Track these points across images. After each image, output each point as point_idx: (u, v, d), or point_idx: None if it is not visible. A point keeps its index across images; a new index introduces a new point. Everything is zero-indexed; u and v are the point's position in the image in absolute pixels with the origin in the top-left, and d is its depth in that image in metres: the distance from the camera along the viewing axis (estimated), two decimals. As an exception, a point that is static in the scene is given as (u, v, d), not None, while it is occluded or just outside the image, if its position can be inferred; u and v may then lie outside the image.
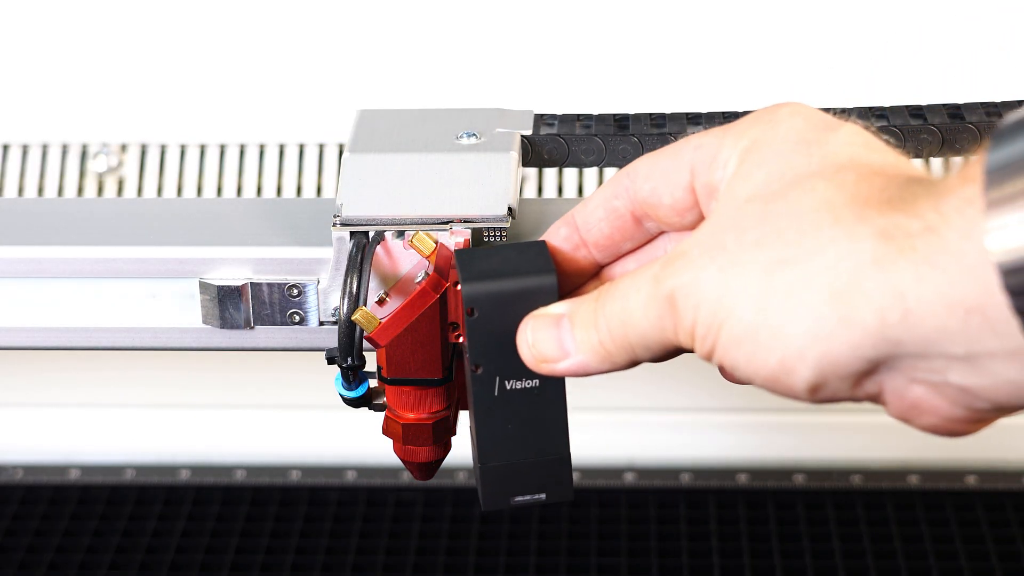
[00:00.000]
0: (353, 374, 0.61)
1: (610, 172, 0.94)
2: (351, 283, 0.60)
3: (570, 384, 0.57)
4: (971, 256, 0.46)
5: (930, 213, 0.47)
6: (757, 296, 0.50)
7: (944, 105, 0.65)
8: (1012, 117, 0.47)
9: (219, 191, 0.97)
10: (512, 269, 0.57)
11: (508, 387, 0.57)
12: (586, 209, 0.58)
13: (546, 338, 0.55)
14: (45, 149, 0.98)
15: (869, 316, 0.48)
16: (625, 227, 0.58)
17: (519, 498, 0.59)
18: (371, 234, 0.61)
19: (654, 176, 0.56)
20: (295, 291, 0.63)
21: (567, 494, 0.59)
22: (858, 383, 0.50)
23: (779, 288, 0.49)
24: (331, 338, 0.62)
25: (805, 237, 0.49)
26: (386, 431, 0.62)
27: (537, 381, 0.57)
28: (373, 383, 0.62)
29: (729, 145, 0.54)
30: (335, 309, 0.63)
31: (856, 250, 0.48)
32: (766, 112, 0.54)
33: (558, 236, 0.59)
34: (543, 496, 0.59)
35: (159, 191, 0.97)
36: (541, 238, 0.59)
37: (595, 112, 0.67)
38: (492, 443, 0.58)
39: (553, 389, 0.57)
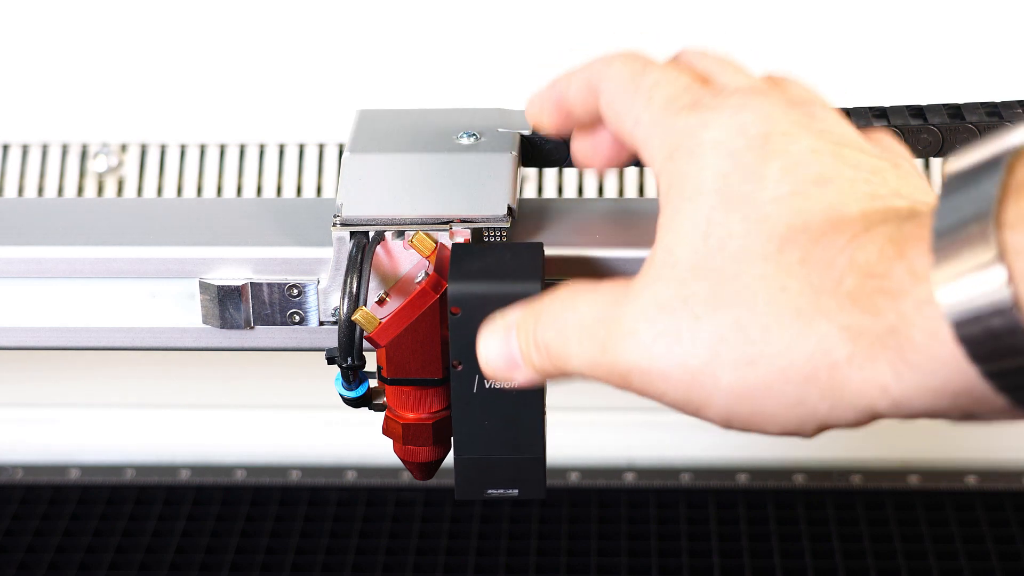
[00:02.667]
0: (353, 374, 0.61)
1: (610, 172, 0.94)
2: (351, 283, 0.60)
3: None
4: (943, 354, 0.46)
5: (890, 314, 0.47)
6: (735, 392, 0.50)
7: (944, 105, 0.65)
8: (948, 201, 0.47)
9: (219, 191, 0.97)
10: (501, 272, 0.57)
11: (487, 385, 0.58)
12: (568, 95, 0.59)
13: (498, 354, 0.55)
14: (45, 149, 0.98)
15: (860, 403, 0.49)
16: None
17: (492, 491, 0.60)
18: (371, 234, 0.61)
19: (610, 112, 0.57)
20: (295, 291, 0.63)
21: (539, 492, 0.60)
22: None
23: (757, 385, 0.50)
24: (331, 338, 0.62)
25: (770, 334, 0.49)
26: (386, 431, 0.62)
27: None
28: (373, 383, 0.62)
29: (656, 153, 0.54)
30: (335, 309, 0.63)
31: (826, 348, 0.48)
32: (691, 135, 0.53)
33: (545, 102, 0.60)
34: (516, 492, 0.60)
35: (159, 191, 0.97)
36: (538, 240, 0.59)
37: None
38: (468, 436, 0.59)
39: (530, 391, 0.58)
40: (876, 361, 0.48)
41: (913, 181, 0.53)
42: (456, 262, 0.57)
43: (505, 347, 0.55)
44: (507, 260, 0.58)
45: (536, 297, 0.55)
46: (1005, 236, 0.45)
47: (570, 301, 0.54)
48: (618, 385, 0.53)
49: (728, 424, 0.51)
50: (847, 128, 0.54)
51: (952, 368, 0.46)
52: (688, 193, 0.52)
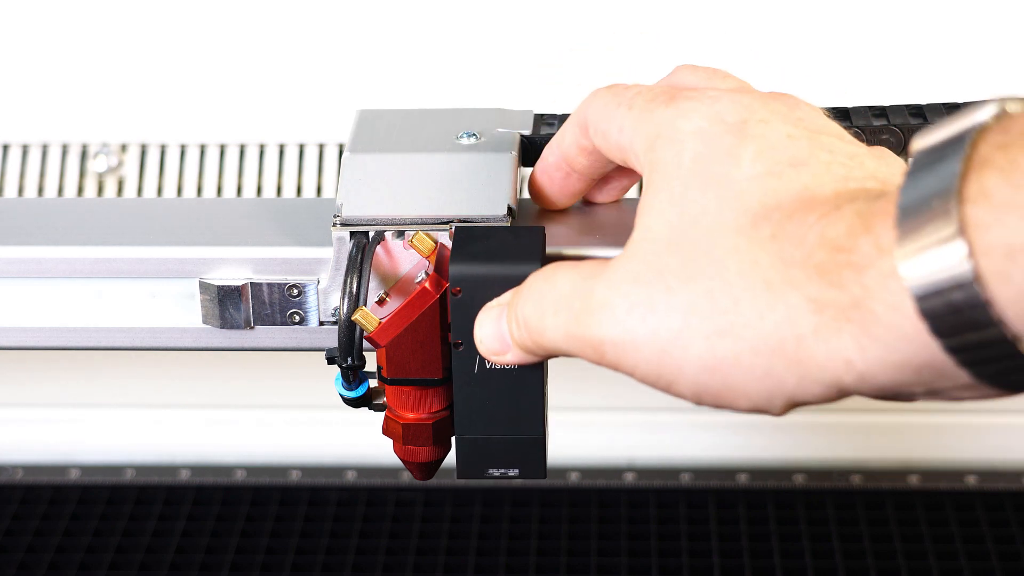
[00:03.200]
0: (353, 374, 0.61)
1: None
2: (351, 283, 0.60)
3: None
4: (906, 327, 0.47)
5: (855, 287, 0.48)
6: (705, 364, 0.51)
7: (944, 104, 0.65)
8: (914, 178, 0.47)
9: (219, 191, 0.97)
10: (502, 254, 0.58)
11: (488, 365, 0.58)
12: (564, 144, 0.60)
13: (490, 334, 0.57)
14: (45, 149, 0.98)
15: (826, 377, 0.49)
16: (602, 158, 0.60)
17: (493, 471, 0.60)
18: (371, 234, 0.61)
19: (598, 136, 0.58)
20: (295, 291, 0.63)
21: (540, 473, 0.60)
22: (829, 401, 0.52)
23: (726, 356, 0.50)
24: (331, 338, 0.62)
25: (740, 305, 0.50)
26: (386, 431, 0.62)
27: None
28: (373, 383, 0.62)
29: (639, 149, 0.55)
30: (335, 309, 0.63)
31: (794, 319, 0.49)
32: (670, 125, 0.54)
33: (548, 163, 0.61)
34: (516, 472, 0.60)
35: (159, 191, 0.97)
36: (541, 224, 0.60)
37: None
38: (470, 416, 0.59)
39: (530, 372, 0.58)
40: (840, 334, 0.48)
41: (892, 168, 0.53)
42: (458, 244, 0.58)
43: (496, 326, 0.56)
44: (508, 242, 0.58)
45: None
46: (966, 211, 0.45)
47: (551, 277, 0.55)
48: (592, 358, 0.54)
49: (698, 399, 0.52)
50: (828, 121, 0.55)
51: (915, 342, 0.47)
52: (667, 176, 0.54)
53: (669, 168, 0.54)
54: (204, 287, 0.63)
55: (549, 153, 0.61)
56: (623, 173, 0.63)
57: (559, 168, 0.61)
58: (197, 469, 1.06)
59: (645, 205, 0.54)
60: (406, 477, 1.04)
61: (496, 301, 0.57)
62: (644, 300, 0.52)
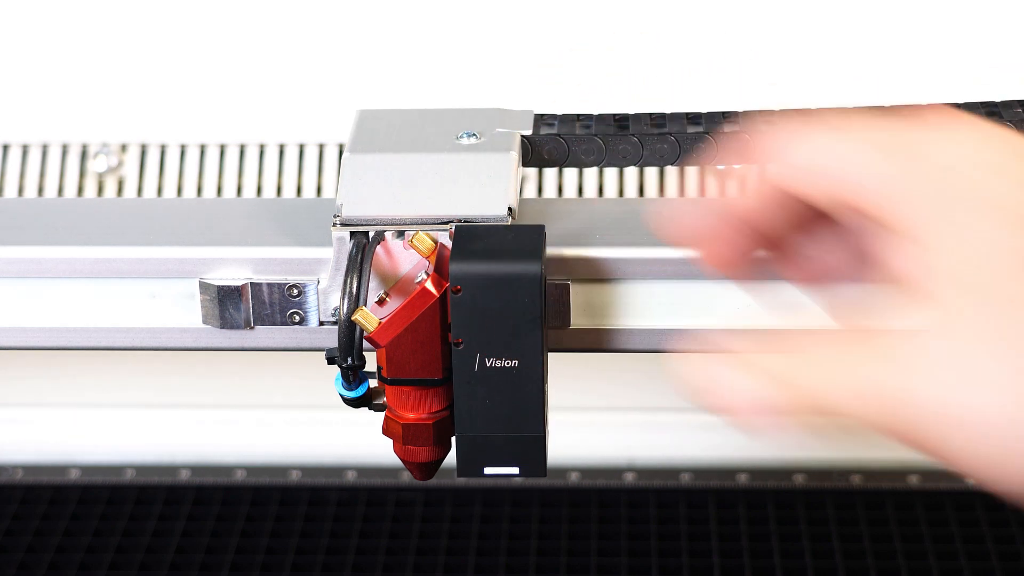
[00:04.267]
0: (353, 374, 0.61)
1: (610, 172, 0.94)
2: (351, 283, 0.60)
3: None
4: None
5: None
6: None
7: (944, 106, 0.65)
8: None
9: (219, 191, 0.97)
10: (502, 252, 0.58)
11: (488, 364, 0.58)
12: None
13: (745, 391, 0.49)
14: (45, 149, 0.98)
15: None
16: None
17: (493, 469, 0.61)
18: (371, 234, 0.61)
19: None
20: (295, 291, 0.63)
21: (540, 471, 0.61)
22: None
23: None
24: (331, 338, 0.62)
25: None
26: (386, 431, 0.62)
27: (516, 362, 0.59)
28: (373, 383, 0.62)
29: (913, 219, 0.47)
30: (335, 309, 0.63)
31: None
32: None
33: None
34: (516, 470, 0.60)
35: (159, 191, 0.97)
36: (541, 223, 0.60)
37: (595, 112, 0.67)
38: (470, 414, 0.59)
39: (532, 371, 0.59)
40: None
41: None
42: (459, 242, 0.58)
43: (759, 388, 0.49)
44: (508, 240, 0.58)
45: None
46: None
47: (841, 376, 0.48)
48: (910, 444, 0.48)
49: None
50: None
51: None
52: (935, 211, 0.47)
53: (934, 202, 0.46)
54: (204, 287, 0.63)
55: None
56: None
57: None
58: (197, 469, 1.06)
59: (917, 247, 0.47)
60: (406, 477, 1.04)
61: (757, 358, 0.48)
62: (970, 370, 0.46)
